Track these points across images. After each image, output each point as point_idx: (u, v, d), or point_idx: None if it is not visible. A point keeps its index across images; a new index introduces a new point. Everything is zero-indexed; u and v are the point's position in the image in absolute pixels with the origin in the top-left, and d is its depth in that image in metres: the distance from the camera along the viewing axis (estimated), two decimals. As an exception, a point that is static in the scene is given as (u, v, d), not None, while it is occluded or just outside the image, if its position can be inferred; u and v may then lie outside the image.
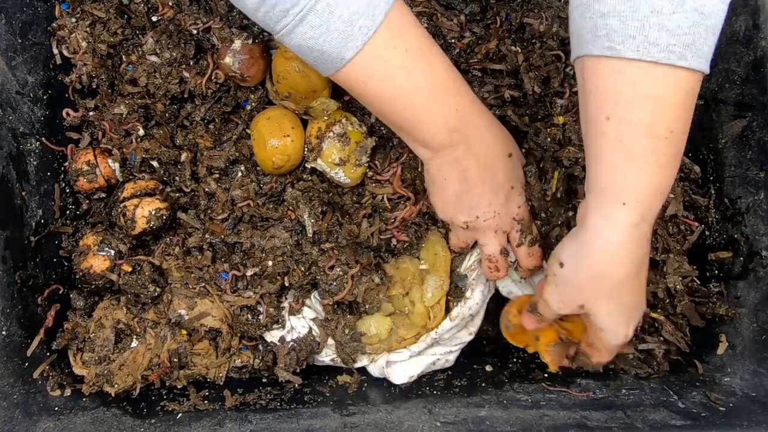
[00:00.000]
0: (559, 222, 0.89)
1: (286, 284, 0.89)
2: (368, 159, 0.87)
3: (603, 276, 0.66)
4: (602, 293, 0.68)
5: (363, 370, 0.91)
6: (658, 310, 0.89)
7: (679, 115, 0.59)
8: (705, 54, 0.58)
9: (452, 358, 0.91)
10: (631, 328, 0.72)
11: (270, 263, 0.87)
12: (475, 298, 0.88)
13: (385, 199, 0.89)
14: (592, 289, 0.68)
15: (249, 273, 0.88)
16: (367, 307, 0.87)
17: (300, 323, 0.88)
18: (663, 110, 0.58)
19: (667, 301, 0.89)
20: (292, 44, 0.67)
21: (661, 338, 0.88)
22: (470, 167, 0.76)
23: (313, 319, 0.89)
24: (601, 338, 0.73)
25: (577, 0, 0.61)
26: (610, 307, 0.69)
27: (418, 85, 0.70)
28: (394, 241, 0.89)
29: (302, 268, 0.87)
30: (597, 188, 0.64)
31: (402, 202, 0.89)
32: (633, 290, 0.69)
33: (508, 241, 0.83)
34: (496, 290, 0.92)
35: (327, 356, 0.89)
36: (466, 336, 0.90)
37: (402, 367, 0.88)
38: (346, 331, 0.87)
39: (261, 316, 0.88)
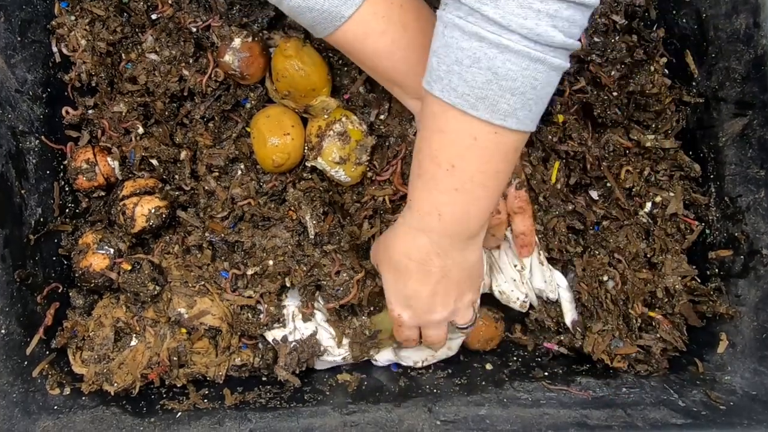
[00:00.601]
0: (557, 213, 0.90)
1: (287, 284, 0.88)
2: (368, 157, 0.86)
3: (388, 249, 0.75)
4: (385, 263, 0.77)
5: (361, 369, 0.91)
6: (656, 309, 0.89)
7: (463, 155, 0.65)
8: (503, 110, 0.61)
9: (455, 346, 0.91)
10: (404, 315, 0.77)
11: (271, 263, 0.87)
12: None
13: (386, 200, 0.89)
14: (381, 255, 0.78)
15: (249, 272, 0.88)
16: (371, 309, 0.87)
17: (304, 325, 0.88)
18: (448, 146, 0.65)
19: (666, 300, 0.89)
20: (292, 5, 0.68)
21: (659, 336, 0.88)
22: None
23: (328, 321, 0.89)
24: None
25: None
26: (388, 278, 0.77)
27: (415, 37, 0.72)
28: None
29: (304, 269, 0.87)
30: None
31: (403, 203, 0.89)
32: (415, 288, 0.74)
33: None
34: None
35: (339, 355, 0.89)
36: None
37: (408, 353, 0.90)
38: (367, 332, 0.88)
39: (261, 315, 0.88)
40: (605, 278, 0.89)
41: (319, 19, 0.69)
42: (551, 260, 0.91)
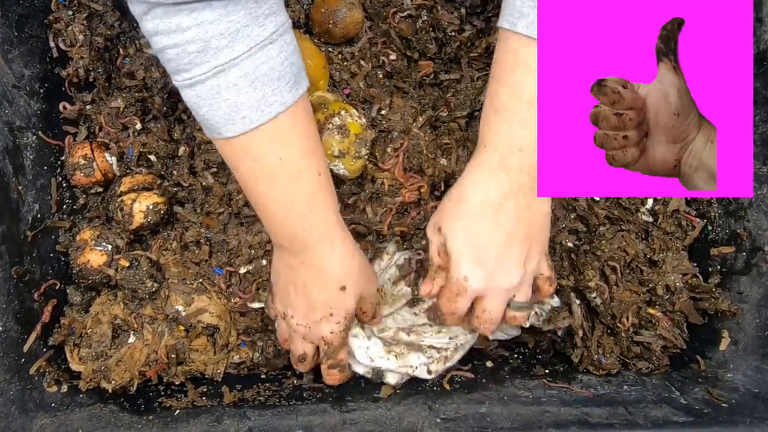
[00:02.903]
0: (563, 226, 0.89)
1: None
2: (368, 151, 0.86)
3: (459, 201, 0.72)
4: (456, 216, 0.72)
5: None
6: (656, 307, 0.88)
7: None
8: None
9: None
10: (472, 275, 0.71)
11: (264, 262, 0.87)
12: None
13: (385, 184, 0.89)
14: (450, 212, 0.73)
15: (242, 270, 0.88)
16: None
17: None
18: (532, 80, 0.65)
19: (666, 297, 0.88)
20: (183, 97, 0.68)
21: (658, 334, 0.87)
22: (299, 277, 0.77)
23: None
24: (449, 269, 0.73)
25: None
26: (460, 232, 0.72)
27: (276, 195, 0.72)
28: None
29: None
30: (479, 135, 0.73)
31: (402, 190, 0.89)
32: (489, 234, 0.71)
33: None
34: None
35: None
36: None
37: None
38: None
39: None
40: (593, 295, 0.89)
41: (203, 123, 0.69)
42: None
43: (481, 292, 0.73)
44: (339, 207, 0.78)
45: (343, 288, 0.77)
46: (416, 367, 0.84)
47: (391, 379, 0.86)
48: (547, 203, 0.73)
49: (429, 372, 0.85)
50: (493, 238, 0.71)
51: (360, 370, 0.86)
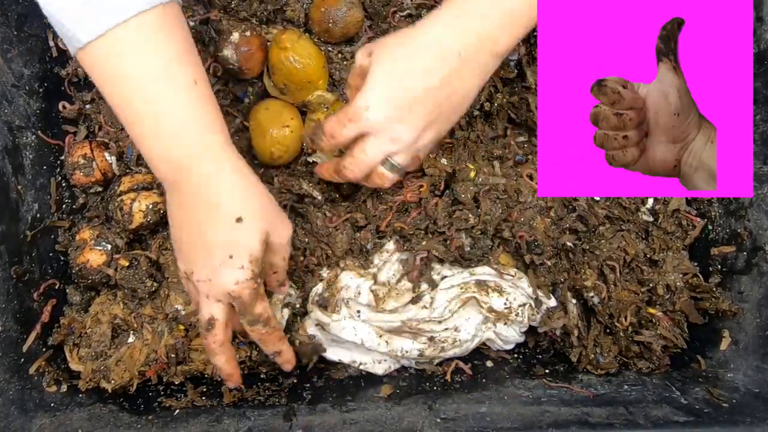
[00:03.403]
0: (566, 226, 0.89)
1: None
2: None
3: (403, 44, 0.71)
4: (392, 52, 0.71)
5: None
6: (656, 306, 0.88)
7: None
8: None
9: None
10: (379, 109, 0.70)
11: None
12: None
13: None
14: (390, 47, 0.71)
15: None
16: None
17: None
18: None
19: (666, 297, 0.88)
20: (42, 5, 0.62)
21: (659, 333, 0.87)
22: (191, 216, 0.69)
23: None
24: (356, 96, 0.72)
25: None
26: (387, 66, 0.70)
27: (147, 107, 0.65)
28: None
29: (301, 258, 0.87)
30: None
31: (404, 187, 0.89)
32: (410, 82, 0.70)
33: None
34: None
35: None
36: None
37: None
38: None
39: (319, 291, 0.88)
40: (591, 294, 0.88)
41: (62, 33, 0.64)
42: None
43: (370, 129, 0.72)
44: (229, 134, 0.71)
45: (239, 219, 0.68)
46: (408, 351, 0.84)
47: (377, 369, 0.87)
48: (476, 86, 0.73)
49: (421, 355, 0.85)
50: (412, 86, 0.70)
51: (342, 356, 0.87)
